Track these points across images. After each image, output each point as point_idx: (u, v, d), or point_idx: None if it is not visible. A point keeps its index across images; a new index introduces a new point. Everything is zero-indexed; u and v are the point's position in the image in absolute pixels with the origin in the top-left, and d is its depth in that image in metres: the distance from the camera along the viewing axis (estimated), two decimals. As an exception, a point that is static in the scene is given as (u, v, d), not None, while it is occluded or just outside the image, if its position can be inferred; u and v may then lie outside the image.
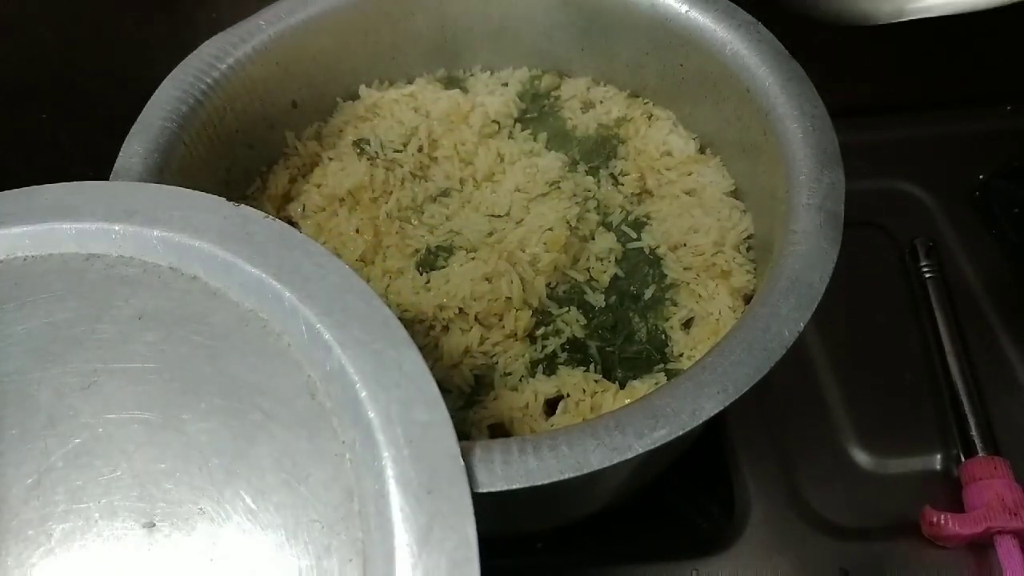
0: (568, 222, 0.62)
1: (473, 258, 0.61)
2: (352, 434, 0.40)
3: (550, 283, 0.62)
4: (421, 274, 0.63)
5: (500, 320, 0.60)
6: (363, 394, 0.40)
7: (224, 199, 0.48)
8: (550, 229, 0.61)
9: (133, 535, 0.38)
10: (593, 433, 0.43)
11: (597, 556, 0.68)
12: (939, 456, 0.72)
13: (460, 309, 0.59)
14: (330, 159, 0.72)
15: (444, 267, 0.62)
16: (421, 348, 0.58)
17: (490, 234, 0.65)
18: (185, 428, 0.40)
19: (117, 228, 0.46)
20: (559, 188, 0.64)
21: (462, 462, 0.38)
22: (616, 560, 0.68)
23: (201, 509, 0.38)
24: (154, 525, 0.38)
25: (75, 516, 0.38)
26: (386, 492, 0.37)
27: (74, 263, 0.46)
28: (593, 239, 0.64)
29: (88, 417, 0.40)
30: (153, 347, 0.43)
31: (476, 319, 0.60)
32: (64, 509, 0.38)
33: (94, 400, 0.41)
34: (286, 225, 0.46)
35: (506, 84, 0.77)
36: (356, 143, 0.72)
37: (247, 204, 0.68)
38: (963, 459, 0.70)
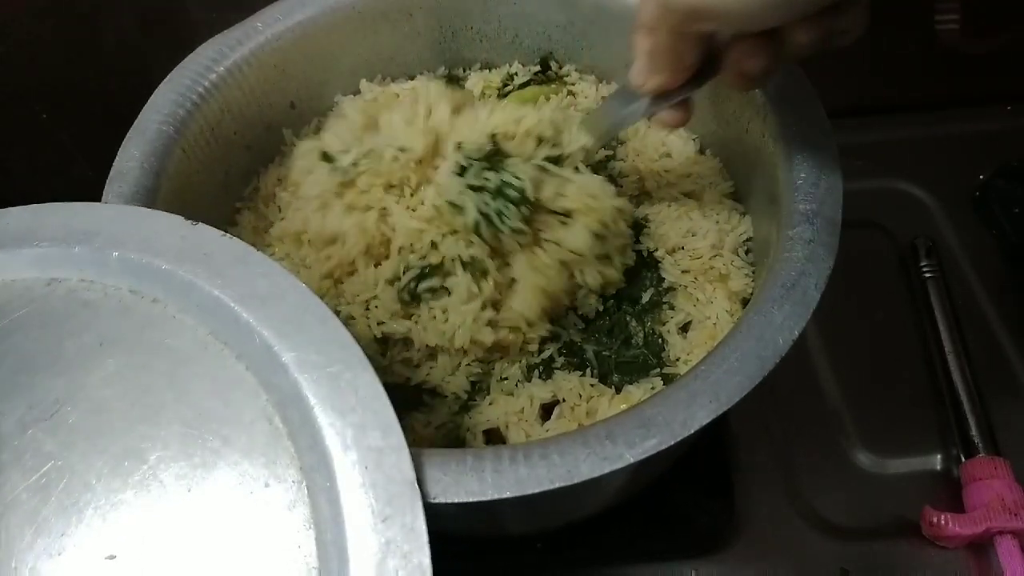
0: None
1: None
2: (309, 460, 0.39)
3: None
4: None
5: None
6: (319, 419, 0.39)
7: (182, 218, 0.47)
8: None
9: (95, 569, 0.38)
10: (584, 442, 0.44)
11: (597, 556, 0.68)
12: (939, 456, 0.72)
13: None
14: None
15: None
16: (415, 358, 0.59)
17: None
18: (146, 457, 0.40)
19: (77, 251, 0.46)
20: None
21: (418, 489, 0.38)
22: (616, 560, 0.68)
23: (161, 540, 0.38)
24: (115, 557, 0.38)
25: (39, 550, 0.38)
26: (341, 520, 0.37)
27: (36, 288, 0.46)
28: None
29: (52, 447, 0.40)
30: (115, 375, 0.43)
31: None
32: (28, 543, 0.38)
33: (58, 431, 0.41)
34: (243, 244, 0.46)
35: (509, 83, 0.77)
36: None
37: (243, 205, 0.69)
38: (963, 459, 0.70)
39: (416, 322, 0.59)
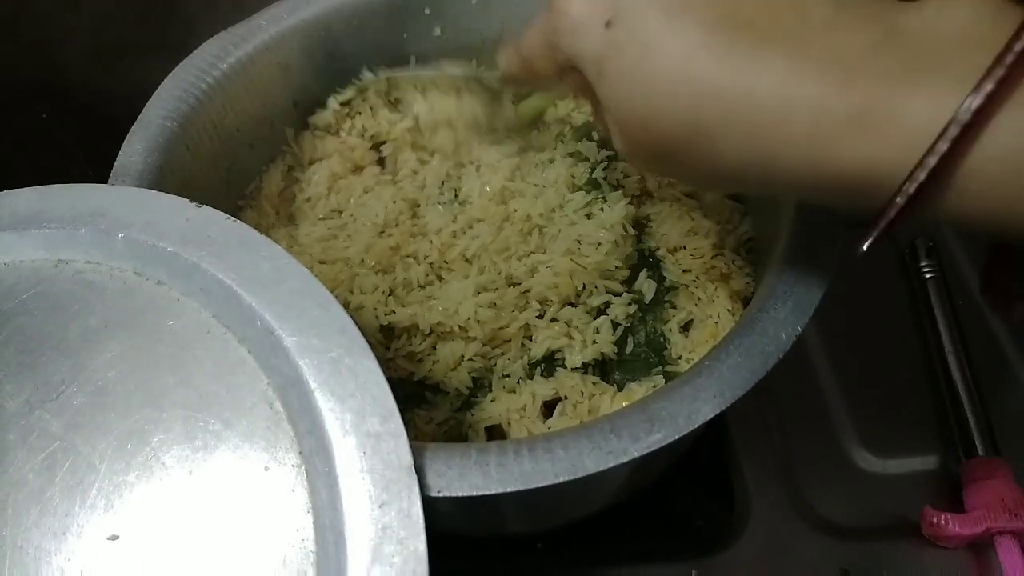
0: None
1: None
2: (308, 444, 0.39)
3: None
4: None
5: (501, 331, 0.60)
6: (319, 404, 0.39)
7: (187, 200, 0.47)
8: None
9: (99, 549, 0.38)
10: (588, 436, 0.43)
11: (597, 556, 0.68)
12: (939, 456, 0.72)
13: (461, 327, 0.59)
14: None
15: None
16: (418, 351, 0.59)
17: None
18: (148, 439, 0.40)
19: (83, 232, 0.46)
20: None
21: (415, 475, 0.38)
22: (616, 560, 0.68)
23: (162, 522, 0.38)
24: (118, 538, 0.38)
25: (44, 529, 0.38)
26: (339, 505, 0.37)
27: (44, 269, 0.46)
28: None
29: (57, 428, 0.41)
30: (118, 357, 0.43)
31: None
32: (34, 521, 0.38)
33: (63, 412, 0.41)
34: (247, 227, 0.46)
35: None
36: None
37: (246, 203, 0.69)
38: (963, 459, 0.70)
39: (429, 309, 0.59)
